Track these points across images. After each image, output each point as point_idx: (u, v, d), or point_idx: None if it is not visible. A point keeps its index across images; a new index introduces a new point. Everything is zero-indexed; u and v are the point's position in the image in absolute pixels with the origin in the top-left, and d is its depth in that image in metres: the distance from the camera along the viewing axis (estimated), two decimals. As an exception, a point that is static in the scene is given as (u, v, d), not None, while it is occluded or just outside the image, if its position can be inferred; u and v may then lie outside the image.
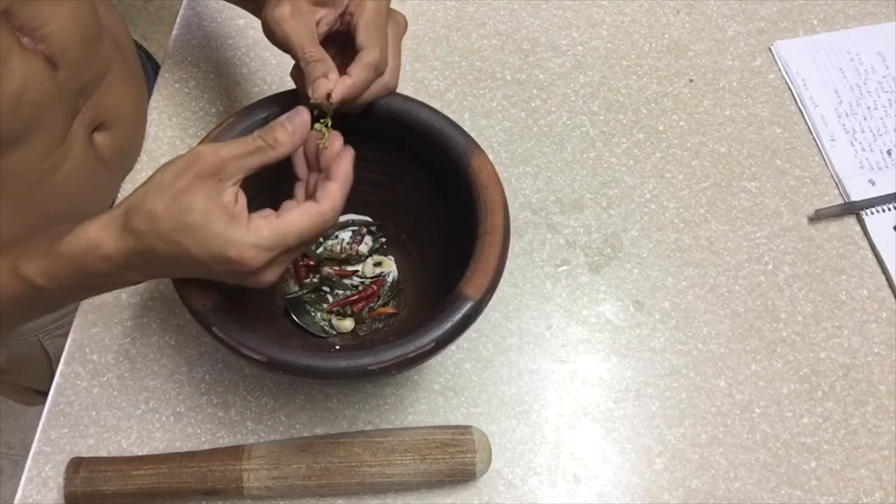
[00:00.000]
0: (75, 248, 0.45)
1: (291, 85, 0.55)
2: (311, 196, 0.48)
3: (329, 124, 0.51)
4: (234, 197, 0.44)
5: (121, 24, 0.70)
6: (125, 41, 0.70)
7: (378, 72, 0.53)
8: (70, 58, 0.58)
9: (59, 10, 0.56)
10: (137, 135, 0.72)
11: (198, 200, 0.43)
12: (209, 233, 0.43)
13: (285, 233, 0.44)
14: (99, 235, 0.45)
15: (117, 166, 0.70)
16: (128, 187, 0.70)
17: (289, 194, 0.51)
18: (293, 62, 0.53)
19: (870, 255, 0.71)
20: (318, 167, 0.51)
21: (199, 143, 0.55)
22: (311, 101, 0.51)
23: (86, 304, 0.65)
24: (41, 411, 0.61)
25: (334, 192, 0.47)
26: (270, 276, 0.46)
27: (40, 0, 0.54)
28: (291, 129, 0.47)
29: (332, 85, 0.50)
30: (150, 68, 0.83)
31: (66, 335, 0.64)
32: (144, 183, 0.45)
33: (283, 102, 0.58)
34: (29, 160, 0.58)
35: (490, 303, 0.52)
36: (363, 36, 0.51)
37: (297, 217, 0.45)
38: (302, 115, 0.48)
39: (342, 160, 0.48)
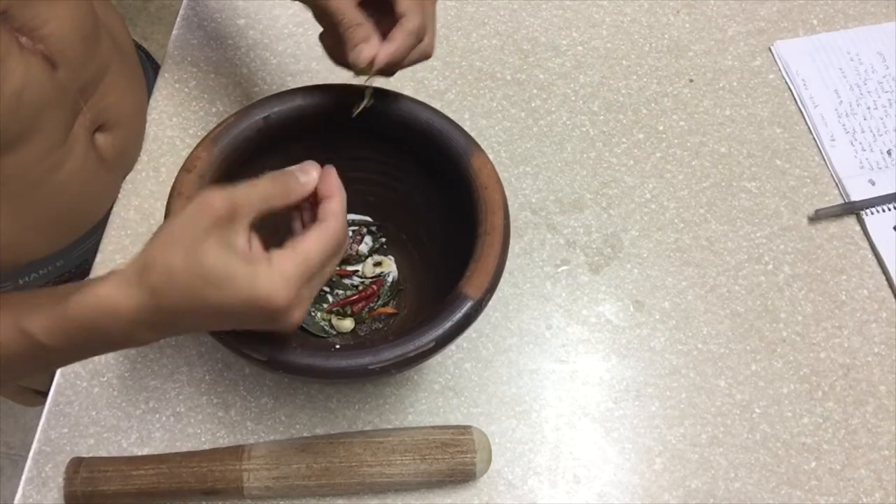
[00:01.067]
0: (85, 307, 0.42)
1: (291, 85, 0.55)
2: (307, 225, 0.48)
3: (372, 92, 0.52)
4: (247, 239, 0.43)
5: (119, 23, 0.70)
6: (124, 40, 0.70)
7: (419, 38, 0.53)
8: (69, 57, 0.58)
9: (58, 9, 0.56)
10: (138, 134, 0.72)
11: (214, 250, 0.41)
12: (233, 279, 0.41)
13: (305, 259, 0.43)
14: (111, 294, 0.42)
15: (118, 166, 0.70)
16: (128, 187, 0.70)
17: (286, 225, 0.51)
18: (317, 30, 0.52)
19: (870, 255, 0.71)
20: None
21: (198, 144, 0.56)
22: (352, 64, 0.51)
23: (86, 304, 0.65)
24: (41, 411, 0.61)
25: (334, 208, 0.46)
26: (299, 314, 0.44)
27: (38, 0, 0.54)
28: (304, 180, 0.47)
29: (375, 50, 0.51)
30: (150, 68, 0.83)
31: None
32: (154, 237, 0.43)
33: (284, 102, 0.58)
34: (30, 160, 0.58)
35: (490, 303, 0.52)
36: (405, 2, 0.52)
37: (312, 241, 0.44)
38: (312, 172, 0.47)
39: (327, 177, 0.48)
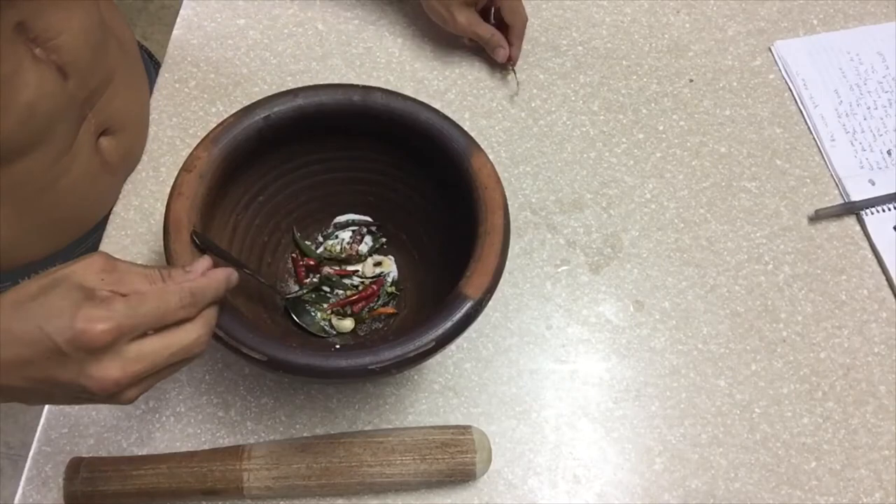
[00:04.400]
0: None
1: (291, 85, 0.56)
2: None
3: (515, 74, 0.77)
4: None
5: (125, 26, 0.70)
6: (129, 42, 0.70)
7: (524, 30, 0.76)
8: (79, 67, 0.58)
9: (71, 19, 0.56)
10: (141, 137, 0.72)
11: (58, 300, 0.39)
12: (49, 307, 0.38)
13: (138, 302, 0.40)
14: None
15: (121, 169, 0.70)
16: (128, 187, 0.70)
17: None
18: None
19: (870, 255, 0.71)
20: None
21: (198, 144, 0.56)
22: (500, 60, 0.77)
23: (86, 304, 0.65)
24: (41, 411, 0.61)
25: (201, 283, 0.43)
26: (114, 369, 0.39)
27: (53, 11, 0.54)
28: (182, 273, 0.43)
29: (507, 51, 0.76)
30: (153, 67, 0.83)
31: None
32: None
33: (284, 102, 0.58)
34: (37, 168, 0.58)
35: (490, 303, 0.52)
36: (509, 16, 0.75)
37: (154, 290, 0.41)
38: (200, 264, 0.44)
39: (214, 273, 0.46)
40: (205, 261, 0.46)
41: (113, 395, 0.40)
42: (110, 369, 0.39)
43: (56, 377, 0.39)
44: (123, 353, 0.40)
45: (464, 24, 0.75)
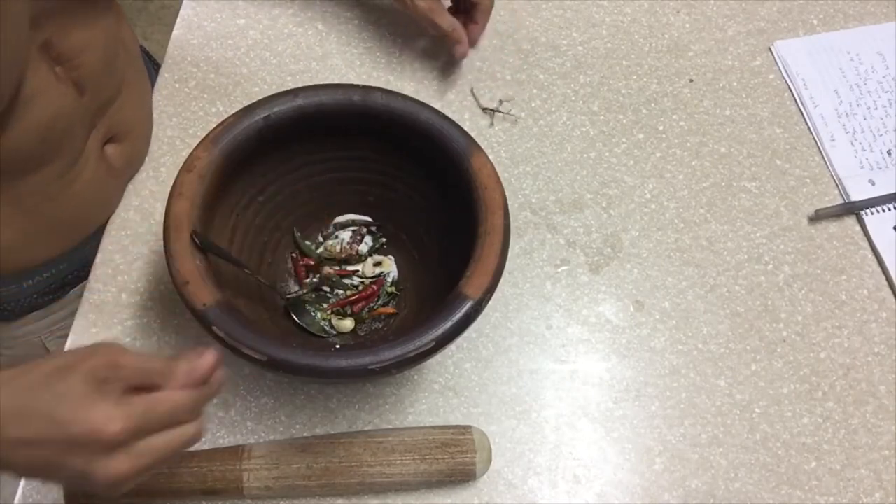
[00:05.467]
0: None
1: (291, 85, 0.56)
2: None
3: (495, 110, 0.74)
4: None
5: (131, 32, 0.70)
6: (135, 50, 0.70)
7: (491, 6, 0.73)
8: (95, 81, 0.58)
9: (94, 37, 0.56)
10: (145, 141, 0.72)
11: (78, 380, 0.39)
12: (74, 398, 0.39)
13: (153, 404, 0.41)
14: None
15: (125, 174, 0.70)
16: (129, 188, 0.70)
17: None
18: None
19: (870, 255, 0.71)
20: None
21: (198, 144, 0.56)
22: (458, 57, 0.74)
23: (86, 304, 0.65)
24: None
25: (208, 393, 0.44)
26: (124, 465, 0.39)
27: (77, 29, 0.54)
28: (188, 369, 0.43)
29: (467, 47, 0.72)
30: (152, 67, 0.83)
31: (67, 336, 0.64)
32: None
33: (284, 102, 0.58)
34: (48, 178, 0.58)
35: (490, 303, 0.52)
36: None
37: (167, 396, 0.42)
38: (206, 359, 0.44)
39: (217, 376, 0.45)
40: (212, 355, 0.45)
41: (115, 486, 0.40)
42: (120, 464, 0.40)
43: (62, 463, 0.39)
44: (133, 449, 0.40)
45: (423, 10, 0.68)
